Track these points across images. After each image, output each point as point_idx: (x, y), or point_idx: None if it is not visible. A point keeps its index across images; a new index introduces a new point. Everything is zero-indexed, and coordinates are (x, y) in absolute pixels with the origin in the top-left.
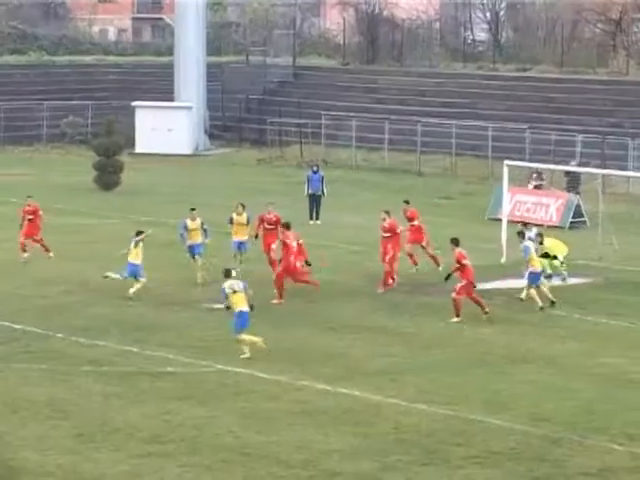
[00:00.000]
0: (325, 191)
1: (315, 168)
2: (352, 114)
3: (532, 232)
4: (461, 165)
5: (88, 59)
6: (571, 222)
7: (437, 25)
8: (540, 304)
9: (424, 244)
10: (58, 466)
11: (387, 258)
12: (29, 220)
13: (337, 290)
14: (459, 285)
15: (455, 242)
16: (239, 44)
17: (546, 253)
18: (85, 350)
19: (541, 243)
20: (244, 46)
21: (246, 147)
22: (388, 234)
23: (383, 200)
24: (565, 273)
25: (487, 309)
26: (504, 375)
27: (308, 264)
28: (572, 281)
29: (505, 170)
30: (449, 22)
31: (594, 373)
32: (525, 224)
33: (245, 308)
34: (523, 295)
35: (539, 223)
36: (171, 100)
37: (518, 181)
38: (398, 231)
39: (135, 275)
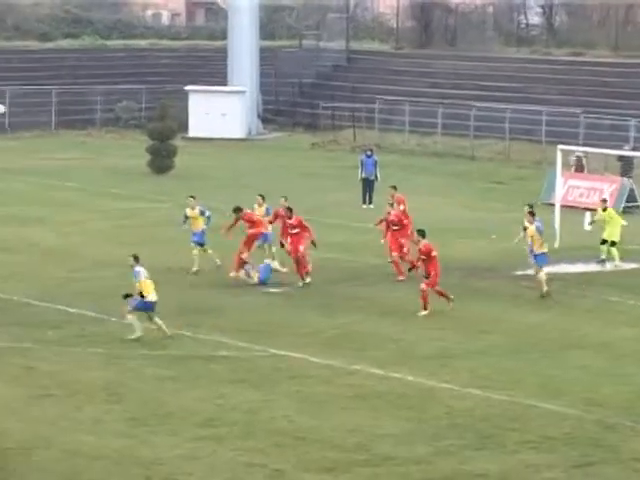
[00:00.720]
0: (378, 175)
1: (369, 152)
2: (405, 98)
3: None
4: (514, 150)
5: (142, 43)
6: (624, 207)
7: (491, 9)
8: (545, 289)
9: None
10: (113, 450)
11: (405, 249)
12: None
13: (389, 274)
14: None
15: (422, 233)
16: (292, 28)
17: (604, 240)
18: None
19: (604, 210)
20: (297, 30)
21: (299, 131)
22: (396, 227)
23: (436, 185)
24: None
25: (451, 300)
26: (558, 360)
27: (314, 244)
28: (626, 266)
29: (559, 155)
30: (503, 6)
31: None
32: (531, 206)
33: (153, 297)
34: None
35: (592, 208)
36: (224, 84)
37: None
38: (405, 222)
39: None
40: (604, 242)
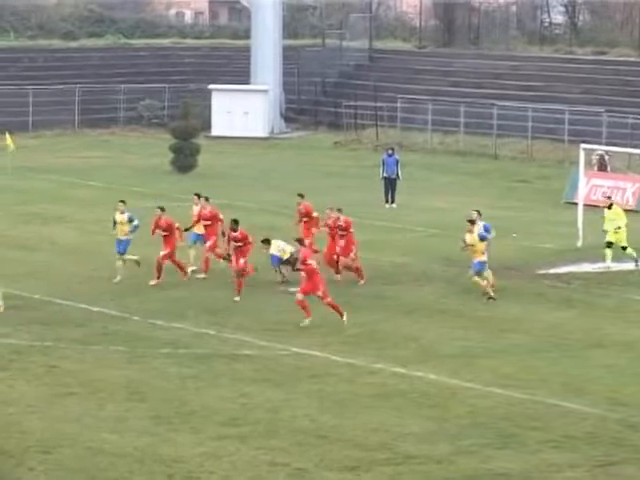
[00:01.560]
0: (400, 174)
1: (390, 151)
2: (428, 97)
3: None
4: (537, 148)
5: (165, 42)
6: None
7: (514, 8)
8: (491, 293)
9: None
10: (136, 448)
11: (352, 255)
12: None
13: (413, 273)
14: (303, 285)
15: (301, 242)
16: (315, 27)
17: (610, 242)
18: (162, 332)
19: (609, 207)
20: (320, 29)
21: (322, 130)
22: (344, 233)
23: (458, 184)
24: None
25: (344, 317)
26: (581, 359)
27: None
28: None
29: (581, 154)
30: (526, 5)
31: None
32: (480, 213)
33: None
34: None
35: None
36: (247, 83)
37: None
38: (352, 230)
39: None
40: (609, 245)
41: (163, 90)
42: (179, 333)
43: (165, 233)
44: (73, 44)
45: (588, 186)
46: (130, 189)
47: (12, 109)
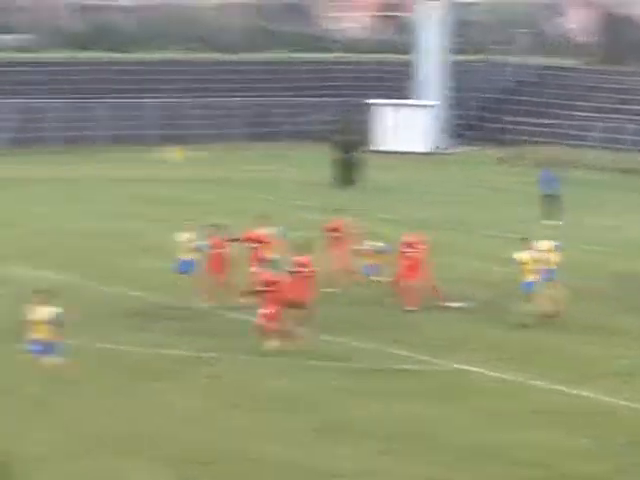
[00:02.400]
0: (560, 191)
1: (549, 168)
2: (595, 114)
3: None
4: None
5: (329, 57)
6: None
7: None
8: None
9: None
10: (296, 460)
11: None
12: None
13: (578, 291)
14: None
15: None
16: (480, 43)
17: None
18: (324, 346)
19: None
20: (485, 45)
21: (485, 146)
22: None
23: (629, 202)
24: None
25: None
26: None
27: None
28: None
29: None
30: None
31: None
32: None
33: None
34: None
35: None
36: (410, 98)
37: None
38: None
39: None
40: None
41: (326, 104)
42: (339, 347)
43: None
44: (236, 57)
45: None
46: (294, 203)
47: (178, 122)
